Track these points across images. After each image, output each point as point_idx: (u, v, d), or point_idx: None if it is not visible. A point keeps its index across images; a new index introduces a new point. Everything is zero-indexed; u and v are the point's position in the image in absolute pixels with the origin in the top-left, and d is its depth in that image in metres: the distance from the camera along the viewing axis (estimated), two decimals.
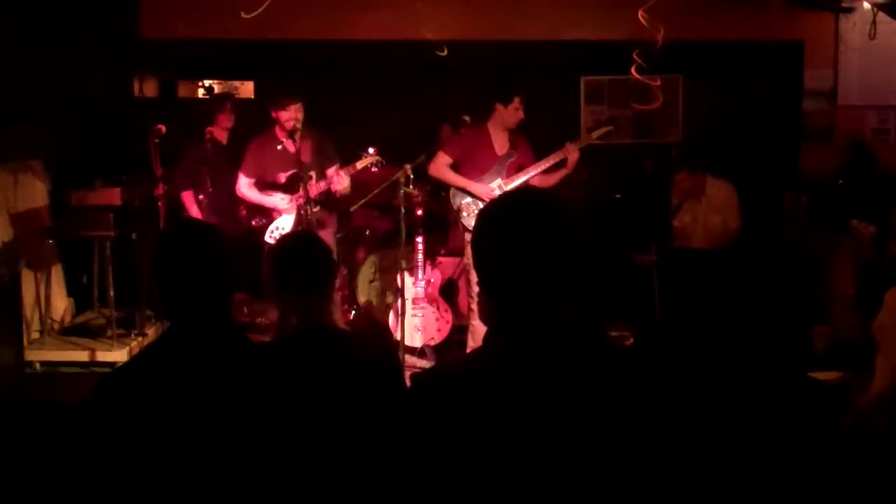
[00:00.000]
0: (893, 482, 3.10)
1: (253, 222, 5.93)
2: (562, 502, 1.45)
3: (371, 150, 5.70)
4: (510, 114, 5.55)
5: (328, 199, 5.79)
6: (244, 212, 6.58)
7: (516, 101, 5.52)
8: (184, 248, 2.04)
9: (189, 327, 2.02)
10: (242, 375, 2.00)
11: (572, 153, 5.48)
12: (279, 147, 5.71)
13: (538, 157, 5.63)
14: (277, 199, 5.77)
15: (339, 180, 5.62)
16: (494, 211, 1.61)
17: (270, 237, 5.75)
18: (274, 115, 5.66)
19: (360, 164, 5.68)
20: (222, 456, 1.90)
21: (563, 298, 1.54)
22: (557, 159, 5.54)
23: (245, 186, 5.83)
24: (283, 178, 5.72)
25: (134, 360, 2.26)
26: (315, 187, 5.65)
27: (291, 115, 5.57)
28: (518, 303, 1.54)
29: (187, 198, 6.11)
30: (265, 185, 5.81)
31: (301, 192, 5.59)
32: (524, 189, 1.68)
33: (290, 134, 5.54)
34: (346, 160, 5.80)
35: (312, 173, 5.66)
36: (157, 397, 1.93)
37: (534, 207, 1.57)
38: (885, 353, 3.19)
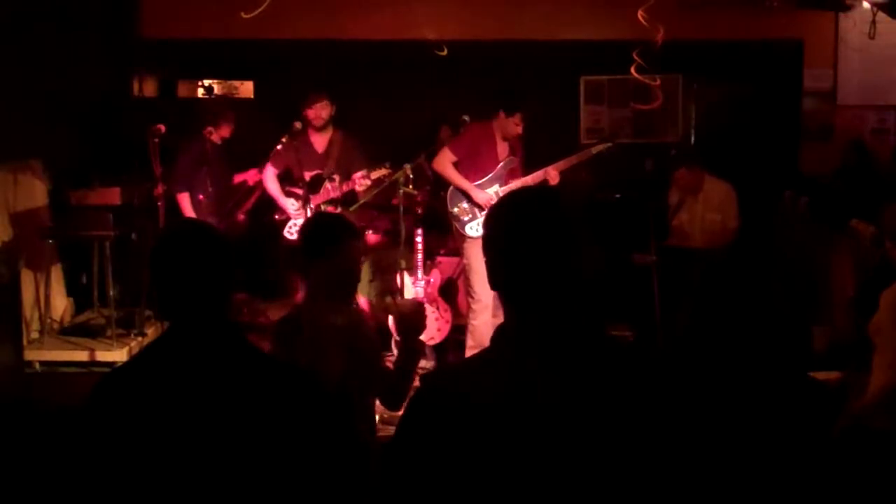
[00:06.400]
0: (891, 483, 3.10)
1: (276, 216, 6.03)
2: (565, 499, 1.45)
3: (386, 164, 5.71)
4: (510, 125, 5.55)
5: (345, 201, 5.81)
6: (242, 215, 6.61)
7: (517, 116, 5.52)
8: (183, 247, 2.02)
9: (188, 328, 2.01)
10: (243, 375, 2.00)
11: (553, 178, 5.52)
12: (307, 145, 5.78)
13: (536, 160, 5.65)
14: (289, 204, 5.87)
15: (362, 183, 5.68)
16: (505, 209, 1.61)
17: (289, 232, 5.89)
18: (303, 113, 5.75)
19: (374, 175, 5.68)
20: (220, 457, 1.90)
21: (574, 298, 1.54)
22: (539, 179, 5.55)
23: (270, 176, 5.93)
24: (307, 176, 5.77)
25: (133, 360, 2.26)
26: (334, 190, 5.69)
27: (316, 113, 5.70)
28: (530, 304, 1.54)
29: (183, 199, 6.08)
30: (290, 179, 5.87)
31: (320, 193, 5.67)
32: (533, 188, 1.69)
33: (316, 129, 5.72)
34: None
35: (336, 175, 5.70)
36: (155, 398, 1.92)
37: (544, 206, 1.58)
38: (881, 353, 3.19)
